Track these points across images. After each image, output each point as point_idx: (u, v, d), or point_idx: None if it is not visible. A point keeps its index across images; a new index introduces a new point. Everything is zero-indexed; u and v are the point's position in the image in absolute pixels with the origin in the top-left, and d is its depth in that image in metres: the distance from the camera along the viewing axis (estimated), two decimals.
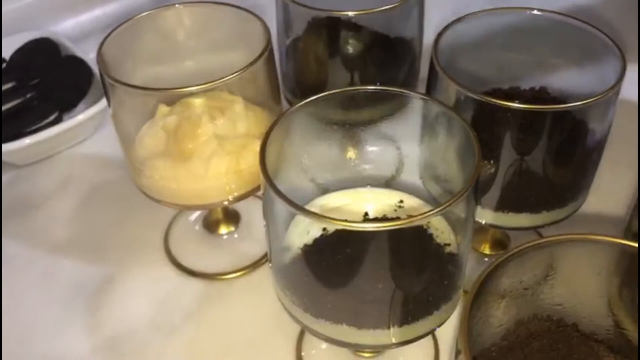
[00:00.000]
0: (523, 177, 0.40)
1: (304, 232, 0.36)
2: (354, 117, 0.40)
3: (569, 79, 0.44)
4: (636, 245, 0.28)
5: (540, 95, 0.45)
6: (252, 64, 0.41)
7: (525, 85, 0.46)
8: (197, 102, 0.44)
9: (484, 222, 0.42)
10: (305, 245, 0.36)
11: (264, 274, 0.49)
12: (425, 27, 0.49)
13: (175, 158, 0.43)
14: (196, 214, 0.54)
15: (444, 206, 0.31)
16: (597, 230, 0.30)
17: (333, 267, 0.35)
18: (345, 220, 0.30)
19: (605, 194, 0.49)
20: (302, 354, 0.44)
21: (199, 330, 0.46)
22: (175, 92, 0.40)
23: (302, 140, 0.39)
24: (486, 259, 0.49)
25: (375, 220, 0.39)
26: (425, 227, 0.35)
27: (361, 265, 0.33)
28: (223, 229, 0.52)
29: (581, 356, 0.30)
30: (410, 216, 0.31)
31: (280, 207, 0.33)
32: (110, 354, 0.45)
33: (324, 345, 0.44)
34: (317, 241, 0.36)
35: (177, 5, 0.45)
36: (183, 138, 0.44)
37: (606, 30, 0.40)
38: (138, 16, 0.44)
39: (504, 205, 0.41)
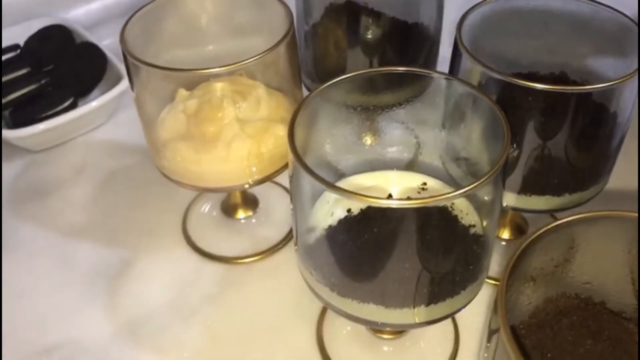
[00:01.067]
0: (546, 160, 0.40)
1: (328, 213, 0.37)
2: (375, 101, 0.40)
3: (590, 64, 0.44)
4: None
5: (560, 79, 0.45)
6: (274, 47, 0.41)
7: (545, 70, 0.46)
8: (218, 86, 0.44)
9: (505, 204, 0.42)
10: (330, 227, 0.36)
11: (283, 257, 0.50)
12: (444, 12, 0.49)
13: (196, 141, 0.43)
14: (214, 198, 0.54)
15: (472, 185, 0.31)
16: (619, 207, 0.30)
17: (359, 247, 0.35)
18: (373, 197, 0.30)
19: (628, 173, 0.49)
20: (323, 336, 0.44)
21: (217, 313, 0.46)
22: (198, 73, 0.41)
23: (326, 123, 0.39)
24: (504, 244, 0.49)
25: (402, 198, 0.39)
26: (450, 208, 0.35)
27: (387, 245, 0.33)
28: (241, 214, 0.52)
29: (612, 333, 0.30)
30: (437, 195, 0.31)
31: (308, 185, 0.33)
32: (128, 337, 0.45)
33: (347, 327, 0.45)
34: (341, 222, 0.36)
35: None
36: (204, 121, 0.44)
37: (630, 14, 0.41)
38: None
39: (527, 188, 0.41)
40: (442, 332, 0.44)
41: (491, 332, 0.27)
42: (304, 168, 0.31)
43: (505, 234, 0.49)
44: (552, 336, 0.31)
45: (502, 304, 0.25)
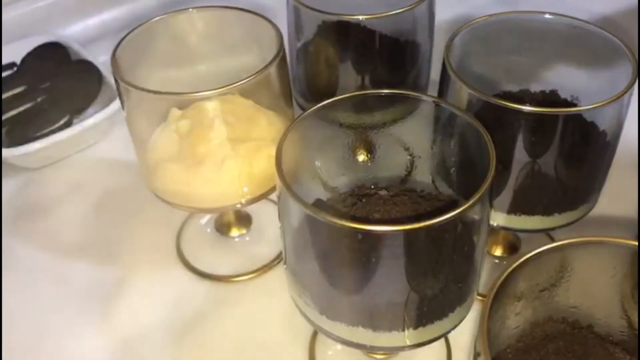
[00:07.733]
0: (535, 179, 0.40)
1: None
2: (366, 120, 0.40)
3: (579, 82, 0.44)
4: None
5: (551, 98, 0.45)
6: (265, 68, 0.41)
7: (535, 88, 0.46)
8: (210, 105, 0.44)
9: (495, 224, 0.42)
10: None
11: (276, 276, 0.50)
12: (436, 30, 0.50)
13: (188, 162, 0.44)
14: (208, 216, 0.54)
15: (459, 210, 0.31)
16: (608, 232, 0.30)
17: (348, 269, 0.35)
18: (358, 222, 0.31)
19: (616, 196, 0.49)
20: (316, 355, 0.44)
21: (211, 332, 0.46)
22: (188, 97, 0.41)
23: (316, 143, 0.40)
24: (497, 261, 0.49)
25: (389, 223, 0.39)
26: (439, 229, 0.35)
27: (376, 267, 0.33)
28: (235, 232, 0.53)
29: (598, 358, 0.30)
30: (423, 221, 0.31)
31: (295, 207, 0.33)
32: (123, 355, 0.45)
33: (338, 346, 0.45)
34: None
35: (190, 10, 0.46)
36: (196, 142, 0.44)
37: (619, 35, 0.41)
38: (151, 20, 0.44)
39: (516, 207, 0.41)
40: (435, 352, 0.44)
41: (476, 354, 0.27)
42: (290, 193, 0.32)
43: (498, 251, 0.49)
44: None
45: (483, 327, 0.25)
